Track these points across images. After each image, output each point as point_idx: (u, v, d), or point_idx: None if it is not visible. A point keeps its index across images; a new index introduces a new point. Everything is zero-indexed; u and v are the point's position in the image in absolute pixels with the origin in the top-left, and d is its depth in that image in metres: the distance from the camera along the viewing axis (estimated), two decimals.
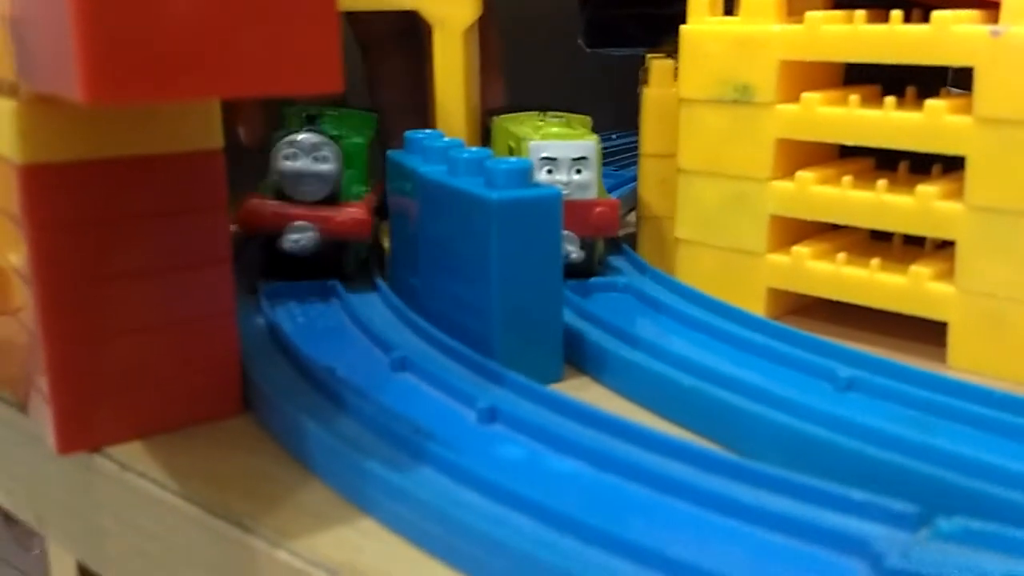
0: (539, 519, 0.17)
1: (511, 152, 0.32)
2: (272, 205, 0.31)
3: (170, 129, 0.22)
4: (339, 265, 0.32)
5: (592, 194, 0.31)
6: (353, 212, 0.31)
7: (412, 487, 0.18)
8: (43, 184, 0.20)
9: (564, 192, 0.30)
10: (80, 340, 0.22)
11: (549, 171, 0.31)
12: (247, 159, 0.30)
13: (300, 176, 0.31)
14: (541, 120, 0.34)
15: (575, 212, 0.31)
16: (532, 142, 0.31)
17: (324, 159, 0.31)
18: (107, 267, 0.21)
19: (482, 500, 0.18)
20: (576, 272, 0.32)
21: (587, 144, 0.31)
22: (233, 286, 0.23)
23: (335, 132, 0.32)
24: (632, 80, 0.38)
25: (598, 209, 0.31)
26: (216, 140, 0.22)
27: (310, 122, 0.32)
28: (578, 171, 0.31)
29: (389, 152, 0.32)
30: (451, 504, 0.18)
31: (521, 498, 0.18)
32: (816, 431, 0.21)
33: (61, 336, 0.21)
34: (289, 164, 0.31)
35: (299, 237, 0.30)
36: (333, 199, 0.31)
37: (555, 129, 0.32)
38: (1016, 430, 0.21)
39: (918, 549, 0.16)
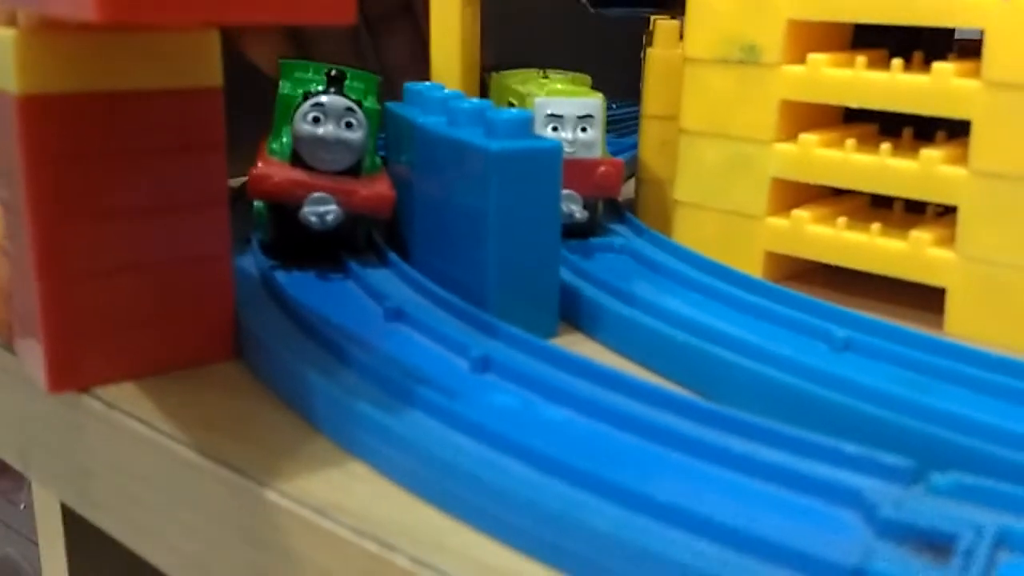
0: (530, 463, 0.17)
1: (508, 107, 0.32)
2: (290, 172, 0.28)
3: (170, 65, 0.21)
4: (351, 240, 0.30)
5: (596, 153, 0.31)
6: (380, 187, 0.28)
7: (402, 429, 0.18)
8: (41, 115, 0.20)
9: (569, 150, 0.30)
10: (73, 277, 0.21)
11: (554, 128, 0.31)
12: (247, 99, 0.29)
13: (325, 143, 0.28)
14: (544, 77, 0.33)
15: (578, 171, 0.30)
16: (538, 98, 0.30)
17: (352, 126, 0.28)
18: (102, 203, 0.21)
19: (473, 444, 0.18)
20: (575, 232, 0.31)
21: (593, 102, 0.31)
22: (229, 229, 0.23)
23: (354, 95, 0.28)
24: (632, 48, 0.37)
25: (601, 169, 0.31)
26: (216, 78, 0.22)
27: (334, 83, 0.28)
28: (583, 129, 0.31)
29: (387, 104, 0.31)
30: (442, 446, 0.18)
31: (512, 442, 0.18)
32: (810, 387, 0.20)
33: (54, 273, 0.21)
34: (312, 129, 0.28)
35: (325, 211, 0.27)
36: (355, 170, 0.28)
37: (560, 86, 0.32)
38: (1013, 392, 0.21)
39: (912, 501, 0.16)
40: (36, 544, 0.41)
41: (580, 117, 0.31)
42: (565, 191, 0.30)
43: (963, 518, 0.15)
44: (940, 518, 0.15)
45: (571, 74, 0.34)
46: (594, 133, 0.31)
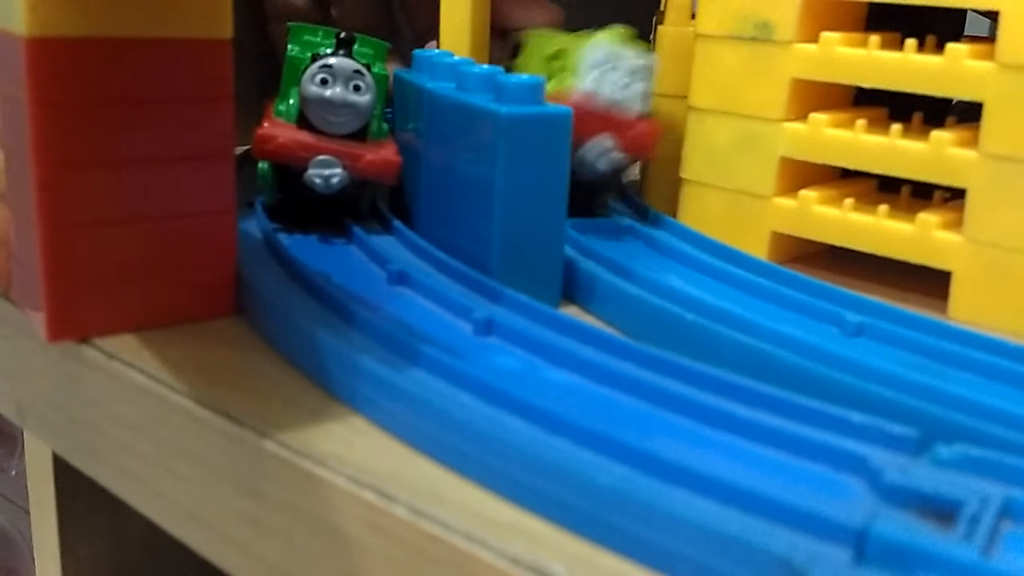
0: (532, 420, 0.17)
1: (549, 62, 0.31)
2: (296, 134, 0.27)
3: (180, 14, 0.21)
4: (355, 205, 0.30)
5: (638, 109, 0.30)
6: (386, 152, 0.28)
7: (404, 384, 0.18)
8: (49, 58, 0.20)
9: (618, 97, 0.29)
10: (75, 226, 0.21)
11: (612, 68, 0.29)
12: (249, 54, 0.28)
13: (332, 105, 0.27)
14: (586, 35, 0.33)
15: (615, 125, 0.29)
16: (596, 38, 0.29)
17: (360, 89, 0.28)
18: (107, 151, 0.21)
19: (475, 400, 0.18)
20: (591, 191, 0.30)
21: (649, 55, 0.30)
22: (234, 183, 0.23)
23: (363, 60, 0.28)
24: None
25: (640, 127, 0.30)
26: (226, 30, 0.22)
27: (343, 45, 0.28)
28: (632, 82, 0.29)
29: (396, 71, 0.31)
30: (444, 401, 0.18)
31: (515, 399, 0.17)
32: (821, 369, 0.20)
33: (56, 220, 0.21)
34: (319, 90, 0.27)
35: (330, 174, 0.27)
36: (361, 134, 0.28)
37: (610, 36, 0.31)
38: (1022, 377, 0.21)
39: (917, 469, 0.16)
40: (27, 512, 0.41)
41: (633, 69, 0.29)
42: (605, 134, 0.29)
43: (968, 486, 0.15)
44: (945, 485, 0.15)
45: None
46: (644, 87, 0.30)
